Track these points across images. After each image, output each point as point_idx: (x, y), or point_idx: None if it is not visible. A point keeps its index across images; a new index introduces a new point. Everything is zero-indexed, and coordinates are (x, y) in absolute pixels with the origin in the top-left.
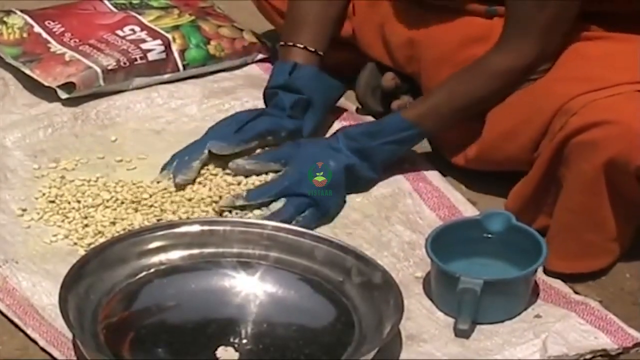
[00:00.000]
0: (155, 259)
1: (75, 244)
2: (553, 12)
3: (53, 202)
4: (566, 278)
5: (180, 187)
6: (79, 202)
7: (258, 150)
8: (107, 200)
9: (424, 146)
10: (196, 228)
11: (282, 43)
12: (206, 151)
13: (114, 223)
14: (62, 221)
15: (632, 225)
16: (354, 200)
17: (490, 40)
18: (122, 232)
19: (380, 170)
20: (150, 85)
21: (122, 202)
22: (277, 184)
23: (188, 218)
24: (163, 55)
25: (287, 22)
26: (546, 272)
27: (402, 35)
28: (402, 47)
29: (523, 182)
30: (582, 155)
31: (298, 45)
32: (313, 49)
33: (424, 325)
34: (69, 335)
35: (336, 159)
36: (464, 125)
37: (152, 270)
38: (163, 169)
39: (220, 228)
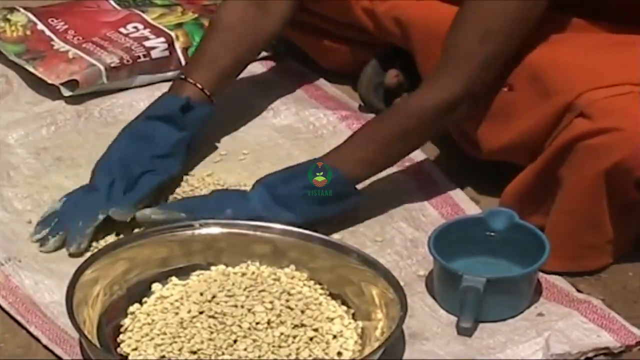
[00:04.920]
0: (167, 260)
1: None
2: (493, 49)
3: (56, 201)
4: (563, 274)
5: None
6: None
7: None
8: None
9: (427, 145)
10: (216, 230)
11: (179, 76)
12: (100, 217)
13: (117, 223)
14: None
15: (630, 228)
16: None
17: None
18: (127, 233)
19: (302, 216)
20: (153, 83)
21: None
22: None
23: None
24: (166, 53)
25: (191, 57)
26: (542, 271)
27: (389, 15)
28: (392, 27)
29: (519, 179)
30: (586, 160)
31: (190, 80)
32: (207, 92)
33: (427, 324)
34: (72, 333)
35: (237, 208)
36: (478, 114)
37: (163, 270)
38: (43, 228)
39: (236, 231)
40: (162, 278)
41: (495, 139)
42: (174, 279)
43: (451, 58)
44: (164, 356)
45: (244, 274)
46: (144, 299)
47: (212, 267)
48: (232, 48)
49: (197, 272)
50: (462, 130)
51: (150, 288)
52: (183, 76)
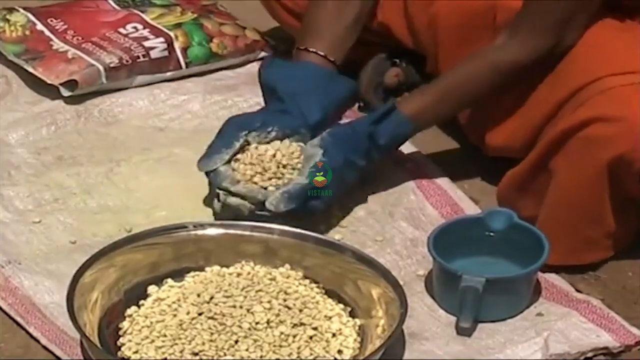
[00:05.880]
0: (169, 261)
1: (79, 242)
2: (570, 5)
3: (57, 200)
4: (559, 269)
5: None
6: (85, 202)
7: None
8: (112, 199)
9: (427, 143)
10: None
11: (299, 47)
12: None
13: (118, 222)
14: (66, 219)
15: (630, 222)
16: (359, 197)
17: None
18: (129, 233)
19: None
20: (152, 83)
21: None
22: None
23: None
24: (165, 53)
25: (303, 28)
26: (541, 269)
27: (423, 7)
28: (422, 20)
29: (519, 167)
30: (587, 151)
31: (311, 49)
32: (331, 57)
33: (426, 324)
34: (71, 333)
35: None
36: (486, 106)
37: (158, 273)
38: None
39: (229, 231)
40: (157, 280)
41: (497, 125)
42: (169, 280)
43: (529, 15)
44: (165, 359)
45: (239, 274)
46: (141, 302)
47: (207, 268)
48: (341, 13)
49: (192, 274)
50: (473, 121)
51: (146, 291)
52: (302, 47)
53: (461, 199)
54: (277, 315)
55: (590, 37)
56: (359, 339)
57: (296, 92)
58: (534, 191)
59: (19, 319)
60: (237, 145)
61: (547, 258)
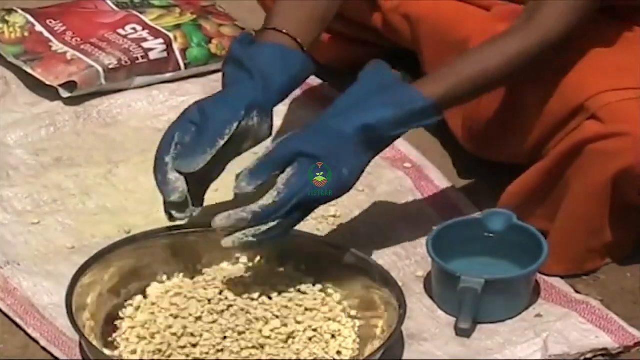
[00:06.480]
0: (168, 262)
1: (78, 243)
2: None
3: (56, 201)
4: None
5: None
6: (83, 203)
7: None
8: (110, 200)
9: (426, 144)
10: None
11: (266, 27)
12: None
13: (117, 223)
14: (65, 220)
15: (630, 232)
16: (357, 197)
17: (489, 14)
18: (128, 234)
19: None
20: (151, 84)
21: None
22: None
23: None
24: (164, 54)
25: (272, 11)
26: (541, 273)
27: (397, 12)
28: (400, 25)
29: (523, 178)
30: (594, 164)
31: (281, 30)
32: (299, 40)
33: (425, 325)
34: (70, 334)
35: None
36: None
37: (164, 272)
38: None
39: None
40: (156, 281)
41: (499, 137)
42: (167, 281)
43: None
44: (162, 358)
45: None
46: (139, 303)
47: (205, 270)
48: (313, 5)
49: (190, 274)
50: (468, 127)
51: (145, 291)
52: (270, 27)
53: (460, 200)
54: (277, 316)
55: (592, 53)
56: (358, 340)
57: (266, 72)
58: (539, 203)
59: (18, 320)
60: (222, 143)
61: (551, 268)
